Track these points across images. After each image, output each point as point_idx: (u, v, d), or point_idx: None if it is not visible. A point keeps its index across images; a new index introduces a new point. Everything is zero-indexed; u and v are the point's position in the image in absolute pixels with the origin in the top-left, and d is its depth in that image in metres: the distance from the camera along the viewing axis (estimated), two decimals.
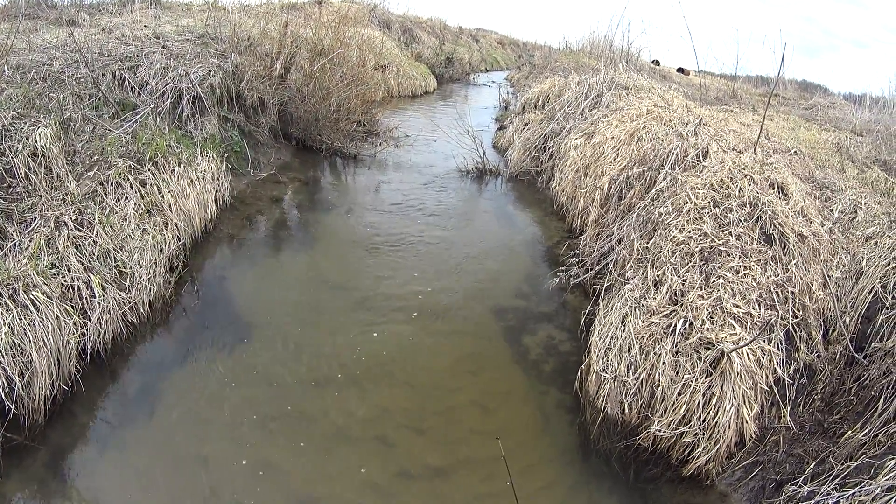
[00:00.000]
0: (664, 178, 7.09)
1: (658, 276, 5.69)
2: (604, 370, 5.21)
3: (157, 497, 4.32)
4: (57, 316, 4.89)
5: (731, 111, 11.84)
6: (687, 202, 6.33)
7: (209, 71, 9.69)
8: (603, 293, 6.22)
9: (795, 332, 5.22)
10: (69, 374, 4.92)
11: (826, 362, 5.19)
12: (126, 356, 5.58)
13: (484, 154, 12.27)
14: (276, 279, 7.23)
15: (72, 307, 5.13)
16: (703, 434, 4.59)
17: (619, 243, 6.81)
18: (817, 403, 5.00)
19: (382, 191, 10.66)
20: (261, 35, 11.57)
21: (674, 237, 5.97)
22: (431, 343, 6.29)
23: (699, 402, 4.64)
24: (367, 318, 6.58)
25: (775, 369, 4.90)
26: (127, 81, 8.60)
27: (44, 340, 4.69)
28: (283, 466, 4.64)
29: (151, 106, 8.24)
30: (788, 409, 4.89)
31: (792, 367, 5.05)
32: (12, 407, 4.40)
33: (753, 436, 4.74)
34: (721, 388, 4.64)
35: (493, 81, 28.14)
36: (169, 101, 8.70)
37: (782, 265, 5.58)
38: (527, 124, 13.85)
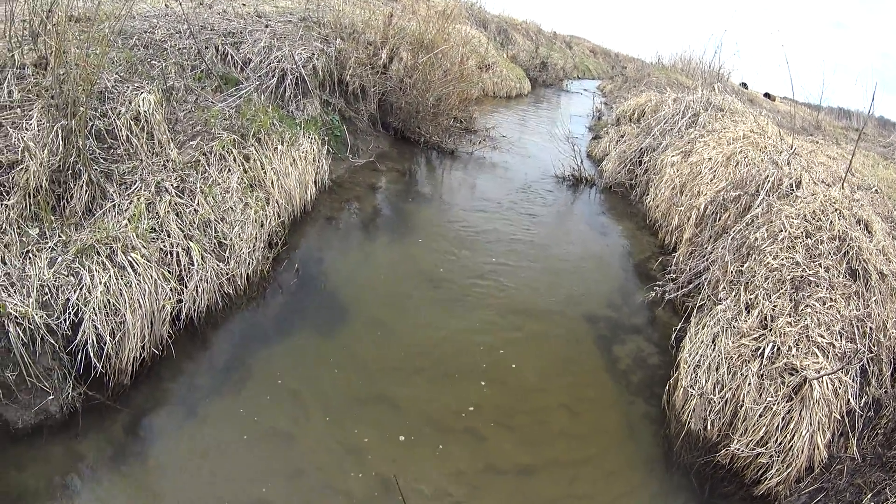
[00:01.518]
0: (759, 205, 7.19)
1: (750, 299, 5.81)
2: (691, 386, 5.32)
3: (238, 471, 4.33)
4: (154, 279, 4.92)
5: (817, 142, 11.70)
6: (781, 230, 6.44)
7: (312, 54, 9.73)
8: (695, 311, 6.32)
9: (869, 367, 5.26)
10: (160, 339, 4.95)
11: (891, 398, 5.23)
12: (219, 327, 5.63)
13: (581, 163, 12.18)
14: (371, 265, 7.26)
15: (169, 272, 5.17)
16: (778, 457, 4.66)
17: (713, 264, 6.86)
18: (879, 437, 5.02)
19: (479, 189, 10.62)
20: (364, 24, 11.58)
21: (768, 263, 6.08)
22: (524, 343, 6.28)
23: (777, 426, 4.73)
24: (460, 312, 6.59)
25: (849, 400, 4.95)
26: (230, 56, 8.68)
27: (139, 302, 4.72)
28: (371, 450, 4.65)
29: (256, 83, 8.26)
30: (855, 439, 4.91)
31: (863, 400, 5.09)
32: (99, 366, 4.45)
33: (822, 462, 4.78)
34: (799, 414, 4.73)
35: (586, 89, 27.88)
36: (274, 79, 8.72)
37: (864, 300, 5.65)
38: (622, 136, 13.79)
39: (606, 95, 24.85)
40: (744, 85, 22.94)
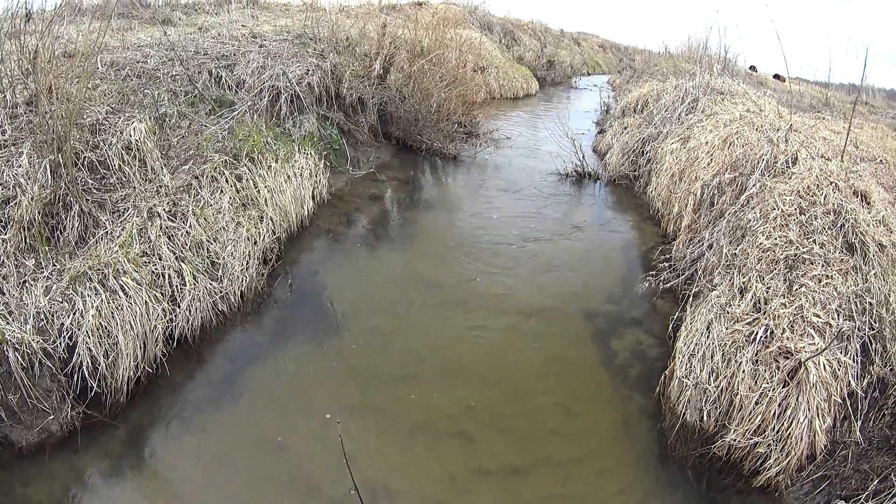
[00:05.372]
0: (754, 185, 7.10)
1: (744, 282, 5.67)
2: (686, 376, 5.19)
3: (235, 480, 4.46)
4: (145, 301, 5.09)
5: (823, 118, 11.59)
6: (774, 209, 6.31)
7: (307, 70, 9.86)
8: (691, 299, 6.19)
9: (871, 345, 5.09)
10: (154, 358, 5.12)
11: None
12: (214, 343, 5.76)
13: (583, 158, 12.12)
14: (370, 275, 7.33)
15: (161, 294, 5.33)
16: (776, 445, 4.55)
17: (709, 249, 6.80)
18: (887, 419, 4.83)
19: (482, 192, 10.65)
20: (359, 35, 11.73)
21: (760, 244, 5.95)
22: (521, 344, 6.30)
23: (774, 413, 4.60)
24: (458, 316, 6.64)
25: (850, 382, 4.82)
26: (224, 79, 8.86)
27: (130, 324, 4.89)
28: (363, 457, 4.71)
29: (248, 104, 8.44)
30: (859, 423, 4.77)
31: (865, 381, 4.93)
32: (94, 385, 4.65)
33: (824, 449, 4.67)
34: (796, 399, 4.61)
35: (595, 85, 27.73)
36: (266, 99, 8.91)
37: (862, 275, 5.50)
38: (625, 128, 13.70)
39: (615, 89, 24.67)
40: (752, 68, 22.72)
